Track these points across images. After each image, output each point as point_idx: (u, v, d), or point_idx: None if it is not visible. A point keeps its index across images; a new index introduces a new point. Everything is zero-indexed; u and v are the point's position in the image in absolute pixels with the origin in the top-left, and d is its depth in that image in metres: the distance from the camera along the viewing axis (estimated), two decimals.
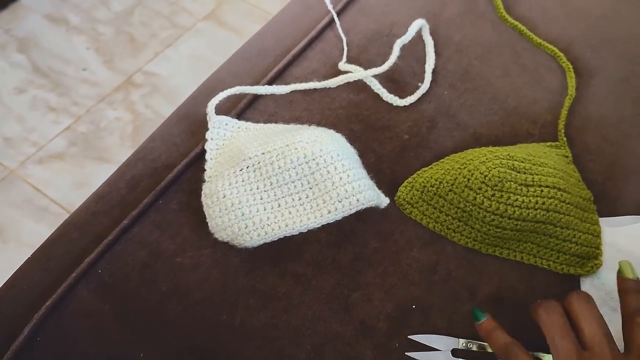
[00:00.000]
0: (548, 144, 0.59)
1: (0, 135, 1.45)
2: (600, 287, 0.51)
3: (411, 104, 0.61)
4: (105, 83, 1.56)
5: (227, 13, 1.71)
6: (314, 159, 0.50)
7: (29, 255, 0.54)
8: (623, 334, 0.42)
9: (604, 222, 0.54)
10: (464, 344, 0.48)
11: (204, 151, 0.56)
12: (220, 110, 0.59)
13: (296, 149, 0.51)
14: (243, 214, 0.50)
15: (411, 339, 0.48)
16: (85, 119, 1.48)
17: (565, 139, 0.59)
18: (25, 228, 1.28)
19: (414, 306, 0.50)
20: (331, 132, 0.54)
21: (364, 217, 0.53)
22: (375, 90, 0.61)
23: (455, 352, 0.48)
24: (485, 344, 0.48)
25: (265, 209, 0.50)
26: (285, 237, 0.50)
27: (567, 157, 0.58)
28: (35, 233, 1.27)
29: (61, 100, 1.52)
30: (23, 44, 1.66)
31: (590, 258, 0.52)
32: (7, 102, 1.52)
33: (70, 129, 1.46)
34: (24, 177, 1.37)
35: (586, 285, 0.51)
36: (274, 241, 0.51)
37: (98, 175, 1.37)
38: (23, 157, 1.41)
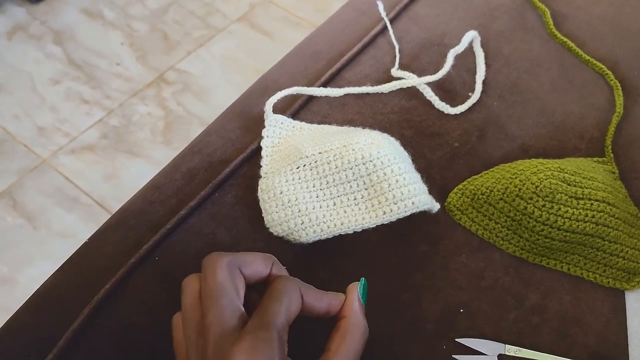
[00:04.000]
0: (595, 159, 0.60)
1: (34, 124, 1.48)
2: None
3: (461, 113, 0.62)
4: (137, 78, 1.59)
5: (260, 16, 1.73)
6: (371, 161, 0.51)
7: (87, 239, 0.55)
8: None
9: None
10: (510, 350, 0.49)
11: (259, 148, 0.57)
12: (275, 109, 0.61)
13: (354, 150, 0.52)
14: (300, 211, 0.51)
15: (458, 342, 0.49)
16: (118, 112, 1.50)
17: (612, 155, 0.59)
18: (56, 217, 1.30)
19: (461, 310, 0.51)
20: (386, 135, 0.55)
21: (414, 220, 0.54)
22: (428, 98, 0.62)
23: (501, 357, 0.49)
24: (532, 351, 0.48)
25: (321, 207, 0.52)
26: (338, 235, 0.52)
27: (614, 173, 0.58)
28: (65, 222, 1.29)
29: (94, 93, 1.54)
30: (59, 36, 1.69)
31: (637, 273, 0.53)
32: (42, 92, 1.55)
33: (102, 122, 1.48)
34: (55, 167, 1.39)
35: (631, 300, 0.52)
36: (327, 239, 0.52)
37: (128, 169, 1.39)
38: (55, 147, 1.43)
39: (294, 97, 0.63)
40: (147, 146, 1.44)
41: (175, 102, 1.53)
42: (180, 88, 1.57)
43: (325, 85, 0.64)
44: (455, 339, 0.49)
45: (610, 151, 0.60)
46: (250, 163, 0.58)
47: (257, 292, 0.41)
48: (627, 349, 0.49)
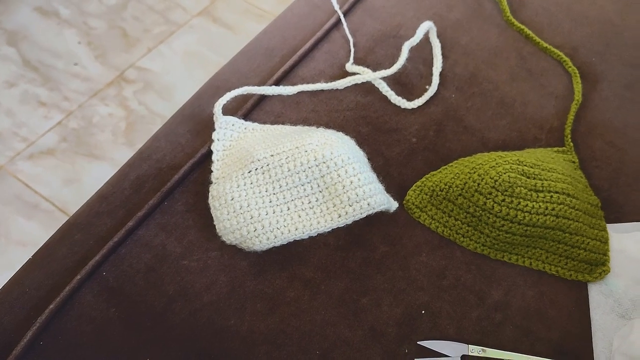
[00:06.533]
0: (555, 149, 0.59)
1: None
2: (608, 293, 0.51)
3: (419, 107, 0.61)
4: (97, 78, 1.54)
5: (222, 10, 1.69)
6: (324, 162, 0.50)
7: (30, 257, 0.53)
8: None
9: (611, 228, 0.54)
10: (474, 350, 0.48)
11: (210, 152, 0.55)
12: (227, 110, 0.58)
13: (306, 151, 0.50)
14: (252, 217, 0.49)
15: (420, 345, 0.48)
16: (77, 114, 1.46)
17: (572, 144, 0.59)
18: (15, 225, 1.25)
19: (423, 311, 0.49)
20: (340, 134, 0.53)
21: (372, 221, 0.53)
22: (383, 93, 0.61)
23: (464, 358, 0.47)
24: (495, 350, 0.47)
25: (274, 212, 0.50)
26: (293, 241, 0.50)
27: (574, 162, 0.58)
28: (25, 230, 1.25)
29: (52, 95, 1.49)
30: (12, 37, 1.63)
31: (598, 264, 0.52)
32: None
33: (61, 125, 1.44)
34: (13, 173, 1.35)
35: (593, 291, 0.51)
36: (282, 245, 0.50)
37: (89, 172, 1.35)
38: (12, 153, 1.38)
39: (245, 97, 0.60)
40: (108, 148, 1.39)
41: (137, 101, 1.49)
42: (142, 86, 1.52)
43: (278, 83, 0.62)
44: (417, 342, 0.48)
45: (570, 140, 0.59)
46: (201, 168, 0.56)
47: None
48: (591, 342, 0.48)
